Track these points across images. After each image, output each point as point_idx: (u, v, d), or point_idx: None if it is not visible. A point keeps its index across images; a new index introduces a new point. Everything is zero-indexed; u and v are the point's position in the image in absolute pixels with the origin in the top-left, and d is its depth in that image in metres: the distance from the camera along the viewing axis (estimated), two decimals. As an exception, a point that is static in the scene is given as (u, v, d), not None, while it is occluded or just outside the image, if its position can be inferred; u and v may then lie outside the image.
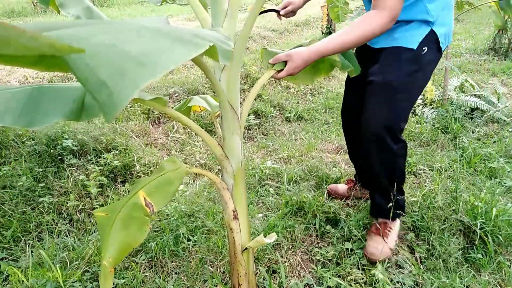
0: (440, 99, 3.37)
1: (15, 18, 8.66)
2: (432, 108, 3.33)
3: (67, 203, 2.30)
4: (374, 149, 1.68)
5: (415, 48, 1.58)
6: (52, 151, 2.67)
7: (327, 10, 5.51)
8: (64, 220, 2.22)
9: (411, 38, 1.59)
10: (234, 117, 1.28)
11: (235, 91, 1.27)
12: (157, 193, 1.09)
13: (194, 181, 2.62)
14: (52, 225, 2.17)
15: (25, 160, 2.56)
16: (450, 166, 2.54)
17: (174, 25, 6.13)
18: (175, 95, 3.93)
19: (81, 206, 2.29)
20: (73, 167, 2.60)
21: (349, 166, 2.67)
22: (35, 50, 0.40)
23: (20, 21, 8.19)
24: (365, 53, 1.80)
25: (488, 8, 5.22)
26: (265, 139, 3.29)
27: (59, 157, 2.65)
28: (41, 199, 2.29)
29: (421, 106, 3.41)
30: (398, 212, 1.84)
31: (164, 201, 1.09)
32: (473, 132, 3.06)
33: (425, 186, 2.35)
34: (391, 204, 1.79)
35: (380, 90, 1.62)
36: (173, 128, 3.33)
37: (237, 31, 1.26)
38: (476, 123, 3.18)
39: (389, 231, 1.84)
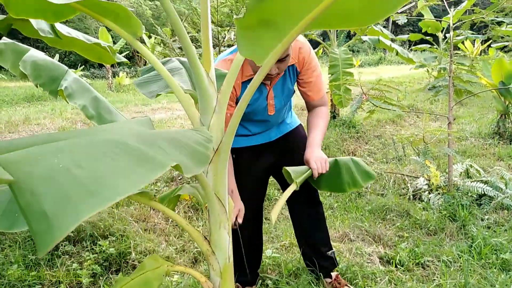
0: (446, 185, 3.30)
1: (34, 102, 9.12)
2: (438, 194, 3.26)
3: (56, 294, 2.20)
4: (319, 211, 2.16)
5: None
6: (48, 237, 2.61)
7: (331, 95, 5.69)
8: (51, 314, 2.10)
9: (295, 119, 2.15)
10: (222, 210, 1.25)
11: (223, 184, 1.26)
12: (133, 296, 1.03)
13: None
14: (37, 319, 2.06)
15: (20, 247, 2.50)
16: (460, 257, 2.41)
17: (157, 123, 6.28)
18: (179, 178, 3.94)
19: (69, 298, 2.19)
20: (67, 255, 2.53)
21: (354, 256, 2.55)
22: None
23: (39, 105, 8.61)
24: (262, 149, 2.03)
25: (491, 92, 5.36)
26: (268, 223, 3.20)
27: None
28: (30, 290, 2.20)
29: (427, 192, 3.34)
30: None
31: (140, 305, 1.03)
32: (482, 220, 2.95)
33: (434, 280, 2.20)
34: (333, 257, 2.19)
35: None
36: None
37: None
38: (485, 210, 3.08)
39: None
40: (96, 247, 2.60)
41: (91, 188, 0.53)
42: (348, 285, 2.17)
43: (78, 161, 0.58)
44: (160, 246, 2.80)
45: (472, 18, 3.42)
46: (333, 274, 2.19)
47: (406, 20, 3.86)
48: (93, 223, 2.82)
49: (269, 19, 1.00)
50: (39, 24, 1.76)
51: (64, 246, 2.56)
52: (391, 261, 2.44)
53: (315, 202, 2.17)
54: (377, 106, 3.45)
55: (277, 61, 1.54)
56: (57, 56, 11.30)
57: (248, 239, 2.18)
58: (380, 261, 2.47)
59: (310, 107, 1.94)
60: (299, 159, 1.98)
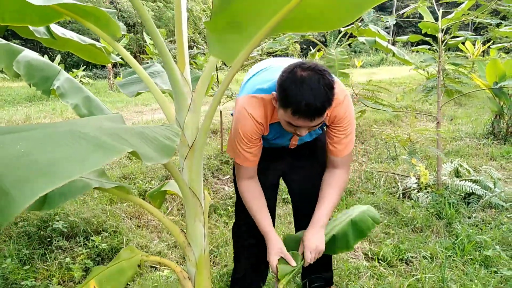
0: (435, 184, 3.35)
1: (36, 102, 9.22)
2: (427, 192, 3.31)
3: (49, 287, 2.27)
4: None
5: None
6: (42, 232, 2.69)
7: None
8: (43, 306, 2.17)
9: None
10: (196, 203, 1.31)
11: (197, 178, 1.32)
12: (107, 284, 1.09)
13: (181, 264, 2.57)
14: (29, 311, 2.12)
15: (14, 242, 2.57)
16: (443, 254, 2.46)
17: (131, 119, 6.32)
18: (174, 177, 4.00)
19: (61, 291, 2.25)
20: (60, 249, 2.60)
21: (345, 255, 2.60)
22: None
23: (40, 105, 8.70)
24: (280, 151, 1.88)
25: (486, 93, 5.37)
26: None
27: (48, 239, 2.66)
28: (23, 283, 2.27)
29: (416, 191, 3.39)
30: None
31: (114, 291, 1.09)
32: (469, 218, 2.99)
33: (416, 274, 2.26)
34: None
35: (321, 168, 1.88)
36: (167, 210, 3.35)
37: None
38: (473, 208, 3.12)
39: None
40: (89, 243, 2.66)
41: (47, 170, 0.59)
42: None
43: (38, 148, 0.64)
44: (153, 242, 2.86)
45: (462, 20, 3.47)
46: None
47: (395, 21, 3.90)
48: (87, 219, 2.89)
49: (235, 21, 1.06)
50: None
51: (58, 241, 2.63)
52: (375, 256, 2.49)
53: None
54: (367, 106, 3.51)
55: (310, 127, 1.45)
56: (58, 56, 11.40)
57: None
58: (364, 257, 2.52)
59: (330, 163, 1.76)
60: (313, 163, 1.91)
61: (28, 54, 2.13)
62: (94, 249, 2.61)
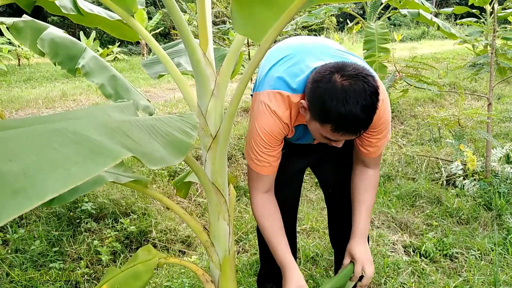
0: (483, 170, 3.08)
1: (72, 78, 9.34)
2: (474, 180, 3.05)
3: (77, 270, 2.25)
4: None
5: None
6: (71, 213, 2.67)
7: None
8: (70, 289, 2.15)
9: None
10: (221, 200, 1.18)
11: (222, 173, 1.18)
12: (121, 289, 0.98)
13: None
14: (57, 293, 2.11)
15: (43, 223, 2.57)
16: (492, 250, 2.24)
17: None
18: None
19: (88, 275, 2.22)
20: (89, 231, 2.57)
21: (378, 245, 2.44)
22: None
23: (76, 81, 8.82)
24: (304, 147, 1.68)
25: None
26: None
27: (77, 220, 2.64)
28: (51, 265, 2.26)
29: (462, 178, 3.13)
30: None
31: (127, 299, 0.98)
32: (521, 209, 2.73)
33: (462, 273, 2.06)
34: None
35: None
36: (197, 192, 3.27)
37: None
38: (526, 199, 2.85)
39: None
40: (117, 225, 2.63)
41: (17, 185, 0.47)
42: None
43: (12, 154, 0.51)
44: (181, 225, 2.80)
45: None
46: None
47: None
48: (116, 200, 2.85)
49: (264, -8, 0.89)
50: (62, 1, 1.72)
51: (86, 222, 2.60)
52: (416, 251, 2.31)
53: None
54: (411, 85, 3.24)
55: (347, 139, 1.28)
56: (93, 32, 11.45)
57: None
58: (404, 251, 2.34)
59: (360, 161, 1.59)
60: (342, 154, 1.67)
61: (53, 31, 2.04)
62: (123, 231, 2.57)
